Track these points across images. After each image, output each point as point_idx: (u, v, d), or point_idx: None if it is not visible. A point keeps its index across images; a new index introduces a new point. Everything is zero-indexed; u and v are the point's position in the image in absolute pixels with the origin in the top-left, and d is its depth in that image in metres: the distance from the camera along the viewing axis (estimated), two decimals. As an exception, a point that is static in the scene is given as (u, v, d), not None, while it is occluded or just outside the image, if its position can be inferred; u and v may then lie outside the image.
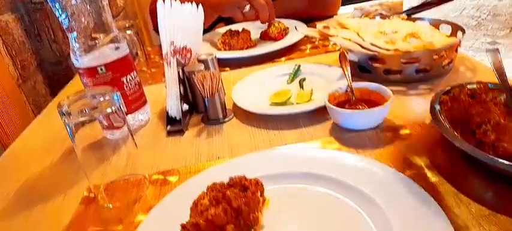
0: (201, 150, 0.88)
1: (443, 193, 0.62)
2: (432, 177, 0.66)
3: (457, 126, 0.71)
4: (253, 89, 1.07)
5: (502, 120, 0.66)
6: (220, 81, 0.93)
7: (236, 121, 0.97)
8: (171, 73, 0.95)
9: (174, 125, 0.96)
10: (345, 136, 0.82)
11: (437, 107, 0.73)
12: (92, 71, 0.89)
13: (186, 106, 0.96)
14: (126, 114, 0.96)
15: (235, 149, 0.85)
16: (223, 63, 1.34)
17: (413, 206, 0.58)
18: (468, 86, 0.78)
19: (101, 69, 0.89)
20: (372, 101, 0.86)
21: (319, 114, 0.90)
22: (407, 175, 0.65)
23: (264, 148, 0.83)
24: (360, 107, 0.84)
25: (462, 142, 0.62)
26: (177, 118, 0.96)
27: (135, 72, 0.97)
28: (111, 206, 0.74)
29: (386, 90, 0.83)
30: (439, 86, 0.98)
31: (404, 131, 0.80)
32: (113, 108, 0.69)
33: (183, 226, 0.58)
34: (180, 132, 0.95)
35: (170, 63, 0.96)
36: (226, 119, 0.97)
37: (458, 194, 0.61)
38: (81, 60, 0.88)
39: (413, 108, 0.91)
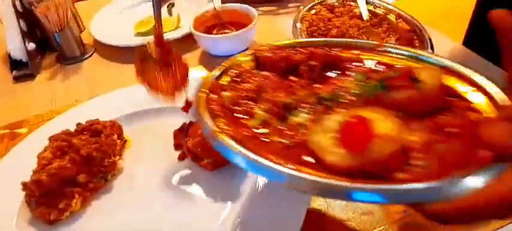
0: (57, 94, 0.77)
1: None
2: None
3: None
4: (115, 19, 0.95)
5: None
6: (69, 11, 0.80)
7: (97, 57, 0.87)
8: (5, 6, 0.79)
9: (20, 69, 0.82)
10: (215, 63, 0.78)
11: (299, 25, 0.73)
12: None
13: (32, 45, 0.82)
14: (-45, 61, 0.79)
15: (97, 89, 0.77)
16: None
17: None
18: (328, 1, 0.79)
19: None
20: (241, 23, 0.83)
21: (189, 41, 0.84)
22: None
23: (130, 85, 0.76)
24: (227, 31, 0.81)
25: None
26: (24, 60, 0.82)
27: (-43, 7, 0.79)
28: None
29: (253, 10, 0.81)
30: (307, 2, 0.99)
31: (272, 52, 0.80)
32: None
33: (25, 184, 0.51)
34: (30, 76, 0.82)
35: (3, -6, 0.79)
36: (86, 56, 0.86)
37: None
38: None
39: (281, 27, 0.90)
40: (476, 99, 0.34)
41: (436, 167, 0.28)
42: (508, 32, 0.30)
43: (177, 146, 0.59)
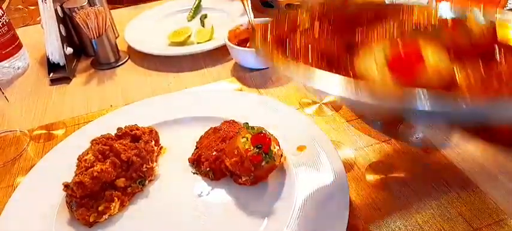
0: (91, 98, 0.79)
1: (336, 128, 0.64)
2: (329, 112, 0.68)
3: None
4: (149, 28, 0.97)
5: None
6: (107, 19, 0.82)
7: (131, 64, 0.89)
8: (47, 11, 0.81)
9: (57, 72, 0.84)
10: (247, 75, 0.80)
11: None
12: None
13: (70, 50, 0.84)
14: (-3, 61, 0.81)
15: (130, 95, 0.78)
16: (115, -1, 1.21)
17: (307, 140, 0.58)
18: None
19: (-49, 7, 0.72)
20: (273, 38, 0.84)
21: (221, 53, 0.86)
22: (307, 113, 0.66)
23: (162, 93, 0.77)
24: (261, 44, 0.82)
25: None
26: (61, 64, 0.84)
27: (0, 10, 0.82)
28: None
29: (287, 25, 0.81)
30: (338, 21, 0.99)
31: (304, 68, 0.80)
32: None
33: (66, 185, 0.52)
34: (66, 80, 0.84)
35: (45, -1, 0.82)
36: (120, 62, 0.88)
37: (349, 126, 0.64)
38: None
39: (313, 43, 0.91)
40: None
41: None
42: None
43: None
